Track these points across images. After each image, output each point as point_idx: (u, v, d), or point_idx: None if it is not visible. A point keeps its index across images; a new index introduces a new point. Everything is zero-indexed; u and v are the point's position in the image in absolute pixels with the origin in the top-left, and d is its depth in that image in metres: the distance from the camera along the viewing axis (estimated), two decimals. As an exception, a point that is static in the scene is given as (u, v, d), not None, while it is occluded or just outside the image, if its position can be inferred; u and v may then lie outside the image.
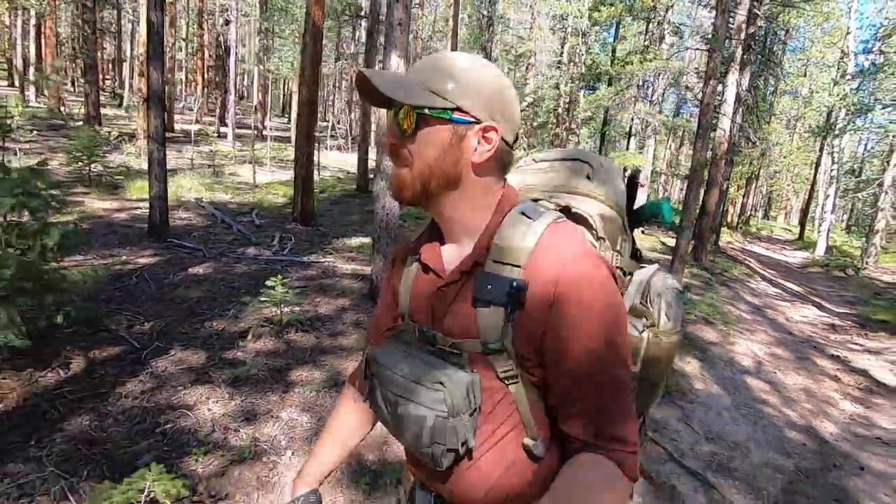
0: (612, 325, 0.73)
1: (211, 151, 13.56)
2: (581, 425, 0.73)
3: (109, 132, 12.73)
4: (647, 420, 0.75)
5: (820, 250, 16.11)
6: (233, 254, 5.87)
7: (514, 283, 0.72)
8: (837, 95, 15.34)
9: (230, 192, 9.72)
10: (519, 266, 0.74)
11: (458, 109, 0.75)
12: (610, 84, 13.26)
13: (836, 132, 14.99)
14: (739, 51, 9.25)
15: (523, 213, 0.78)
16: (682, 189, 37.99)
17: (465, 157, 0.77)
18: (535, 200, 0.86)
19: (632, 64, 10.97)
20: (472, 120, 0.76)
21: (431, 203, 0.81)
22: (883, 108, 14.75)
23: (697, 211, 8.55)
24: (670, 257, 11.19)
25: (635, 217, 0.99)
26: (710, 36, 7.58)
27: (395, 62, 4.47)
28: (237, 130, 18.67)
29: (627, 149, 14.55)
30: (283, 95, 36.25)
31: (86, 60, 13.84)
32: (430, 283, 0.84)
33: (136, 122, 13.56)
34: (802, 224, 22.35)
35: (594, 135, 15.16)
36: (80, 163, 8.06)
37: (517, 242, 0.75)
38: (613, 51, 15.41)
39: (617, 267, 0.91)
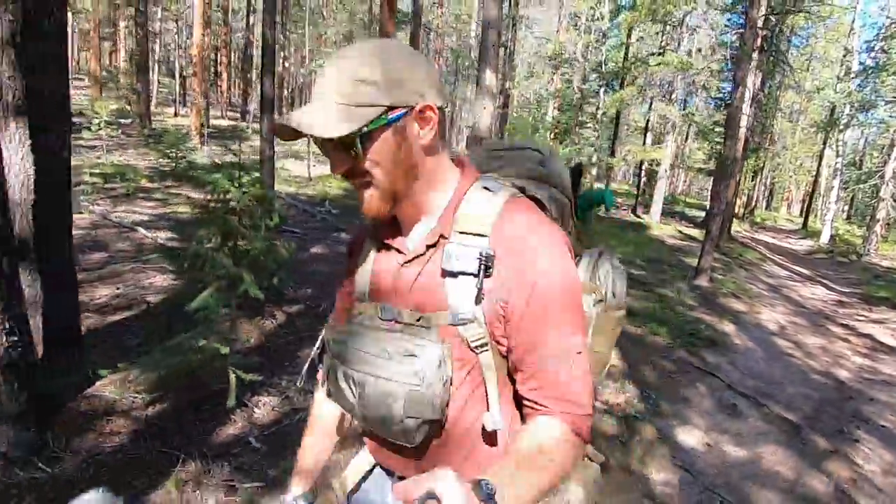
0: (569, 291, 0.75)
1: (253, 147, 14.48)
2: (538, 388, 0.75)
3: (164, 130, 13.66)
4: (596, 391, 0.81)
5: (824, 238, 17.15)
6: (329, 238, 6.85)
7: (482, 252, 0.73)
8: (842, 92, 16.29)
9: (293, 185, 10.67)
10: (485, 235, 0.75)
11: (389, 108, 0.73)
12: (622, 84, 14.15)
13: (841, 127, 15.94)
14: (755, 55, 10.20)
15: (485, 188, 0.81)
16: (685, 181, 38.93)
17: (414, 145, 0.77)
18: (494, 177, 0.88)
19: (649, 65, 11.88)
20: (406, 109, 0.74)
21: (402, 203, 0.80)
22: (885, 103, 15.71)
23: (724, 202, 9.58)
24: (687, 244, 12.19)
25: (579, 203, 1.05)
26: (737, 45, 8.53)
27: (490, 78, 5.45)
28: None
29: (644, 144, 15.46)
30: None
31: (138, 63, 14.73)
32: (392, 261, 0.84)
33: (189, 119, 14.49)
34: (806, 214, 23.38)
35: (599, 131, 16.05)
36: (168, 158, 9.01)
37: (481, 213, 0.77)
38: (626, 48, 16.29)
39: None
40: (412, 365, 0.74)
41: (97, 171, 7.59)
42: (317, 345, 0.95)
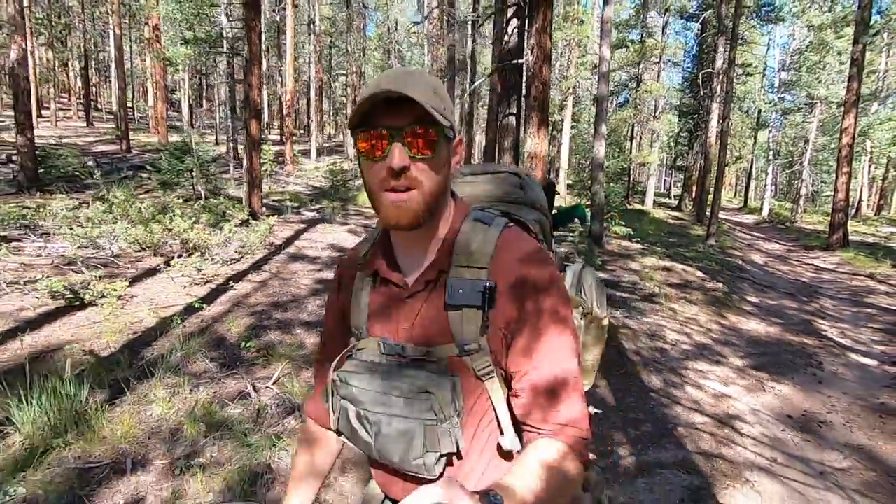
0: (564, 317, 0.78)
1: (315, 168, 17.82)
2: (537, 412, 0.76)
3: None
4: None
5: (764, 213, 22.58)
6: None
7: (486, 285, 0.76)
8: (769, 102, 21.74)
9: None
10: (486, 268, 0.78)
11: (451, 128, 0.78)
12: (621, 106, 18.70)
13: (770, 128, 21.34)
14: (720, 89, 14.92)
15: (478, 220, 0.84)
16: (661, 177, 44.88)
17: (450, 170, 0.81)
18: (481, 209, 0.90)
19: (649, 91, 16.46)
20: (454, 135, 0.80)
21: (429, 221, 0.79)
22: (798, 110, 21.25)
23: (710, 193, 14.17)
24: (680, 222, 16.79)
25: (555, 219, 1.11)
26: (723, 94, 13.11)
27: (603, 128, 9.53)
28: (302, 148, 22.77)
29: (631, 150, 20.13)
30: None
31: (231, 105, 17.66)
32: (391, 296, 0.84)
33: (281, 150, 17.68)
34: (745, 195, 29.16)
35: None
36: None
37: (479, 247, 0.80)
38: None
39: None
40: (427, 402, 0.75)
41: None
42: (321, 388, 0.93)
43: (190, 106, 25.66)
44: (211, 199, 8.66)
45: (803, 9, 18.35)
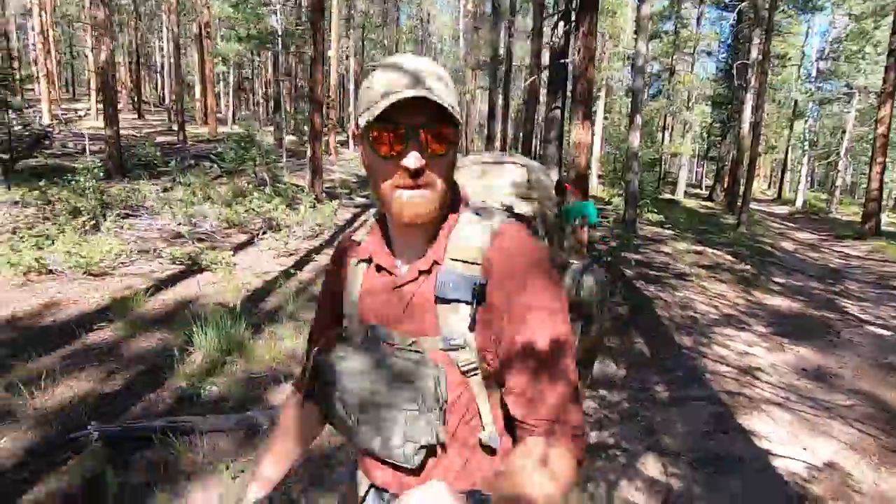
0: (559, 315, 0.76)
1: (353, 157, 18.64)
2: (530, 410, 0.74)
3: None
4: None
5: (798, 204, 22.49)
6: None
7: (478, 281, 0.75)
8: (805, 92, 21.60)
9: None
10: (478, 263, 0.77)
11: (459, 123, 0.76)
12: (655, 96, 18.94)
13: (807, 118, 21.23)
14: (754, 80, 15.11)
15: (476, 213, 0.82)
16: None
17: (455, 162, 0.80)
18: (482, 201, 0.89)
19: (682, 82, 16.71)
20: (460, 125, 0.77)
21: (436, 217, 0.79)
22: (836, 100, 21.06)
23: (743, 181, 14.48)
24: (710, 211, 17.06)
25: (563, 216, 1.08)
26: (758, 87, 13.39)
27: (638, 120, 10.03)
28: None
29: (663, 141, 20.37)
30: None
31: (276, 98, 18.71)
32: (383, 283, 0.84)
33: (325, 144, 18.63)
34: (780, 186, 28.89)
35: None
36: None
37: (474, 241, 0.78)
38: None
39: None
40: (410, 390, 0.75)
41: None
42: (304, 366, 0.91)
43: (234, 99, 26.93)
44: (277, 185, 9.57)
45: (844, -3, 18.20)
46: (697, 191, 25.09)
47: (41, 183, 6.52)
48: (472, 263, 0.77)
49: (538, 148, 17.03)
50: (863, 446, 3.17)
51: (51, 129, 14.34)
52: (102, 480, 2.24)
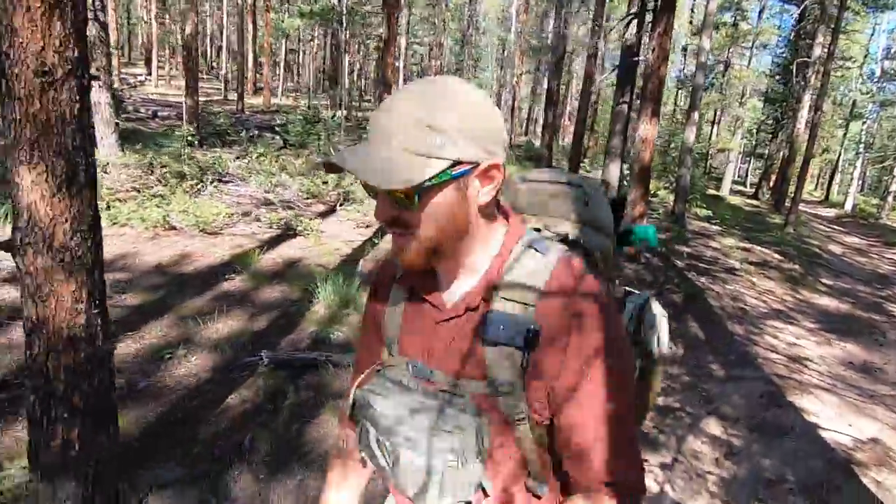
0: (620, 367, 0.72)
1: None
2: (583, 470, 0.71)
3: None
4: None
5: (847, 207, 22.00)
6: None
7: (531, 327, 0.69)
8: (866, 92, 20.92)
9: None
10: (532, 305, 0.70)
11: (457, 163, 0.66)
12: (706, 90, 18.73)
13: (864, 119, 20.62)
14: (814, 79, 14.84)
15: (532, 247, 0.75)
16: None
17: (471, 205, 0.70)
18: (537, 230, 0.84)
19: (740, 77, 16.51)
20: (472, 165, 0.67)
21: (440, 259, 0.73)
22: (899, 101, 20.36)
23: (792, 183, 14.40)
24: (756, 209, 16.98)
25: (619, 240, 1.01)
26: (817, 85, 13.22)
27: (694, 117, 10.17)
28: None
29: (711, 136, 20.14)
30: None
31: (332, 75, 19.26)
32: (426, 316, 0.78)
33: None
34: (828, 188, 28.12)
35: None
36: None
37: (528, 279, 0.72)
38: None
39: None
40: (450, 441, 0.70)
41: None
42: (345, 400, 0.83)
43: (284, 72, 27.64)
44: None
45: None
46: (741, 188, 24.68)
47: (138, 146, 7.19)
48: (526, 304, 0.70)
49: (587, 140, 17.12)
50: (905, 428, 3.57)
51: (121, 94, 15.28)
52: (282, 394, 2.85)
